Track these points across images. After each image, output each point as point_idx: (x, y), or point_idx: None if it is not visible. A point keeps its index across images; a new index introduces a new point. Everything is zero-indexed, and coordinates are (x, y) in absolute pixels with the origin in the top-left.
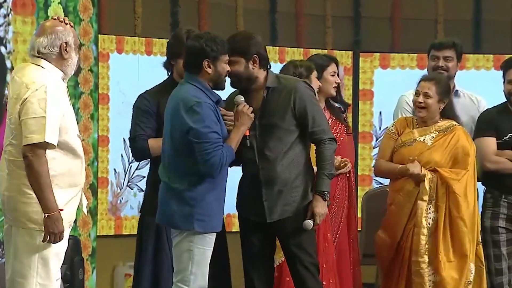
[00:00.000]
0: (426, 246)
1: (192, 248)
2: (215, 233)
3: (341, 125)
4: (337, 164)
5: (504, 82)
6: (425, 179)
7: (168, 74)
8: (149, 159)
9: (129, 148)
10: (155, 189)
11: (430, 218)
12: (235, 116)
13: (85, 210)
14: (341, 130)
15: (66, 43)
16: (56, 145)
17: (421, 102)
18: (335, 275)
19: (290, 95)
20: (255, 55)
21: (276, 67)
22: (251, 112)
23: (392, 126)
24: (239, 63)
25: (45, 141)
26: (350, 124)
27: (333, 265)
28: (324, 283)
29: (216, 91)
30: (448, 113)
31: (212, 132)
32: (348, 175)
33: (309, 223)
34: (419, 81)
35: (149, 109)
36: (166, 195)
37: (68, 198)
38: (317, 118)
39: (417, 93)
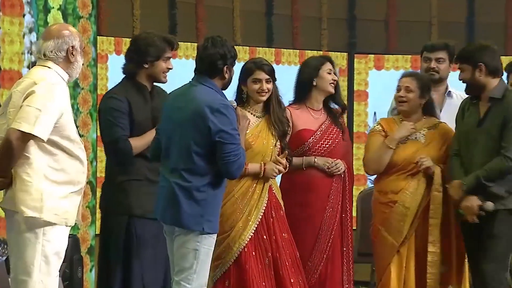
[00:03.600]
0: (439, 238)
1: (198, 248)
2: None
3: (337, 128)
4: (328, 165)
5: (508, 82)
6: (437, 172)
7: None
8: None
9: (110, 151)
10: (122, 188)
11: (442, 209)
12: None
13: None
14: (337, 132)
15: (72, 47)
16: (45, 140)
17: (402, 96)
18: (301, 272)
19: (508, 107)
20: (481, 64)
21: None
22: None
23: (378, 124)
24: (466, 70)
25: (32, 133)
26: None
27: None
28: (292, 280)
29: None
30: (430, 110)
31: (238, 135)
32: (342, 176)
33: (490, 204)
34: (400, 78)
35: (124, 110)
36: (176, 195)
37: (64, 193)
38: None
39: (398, 89)
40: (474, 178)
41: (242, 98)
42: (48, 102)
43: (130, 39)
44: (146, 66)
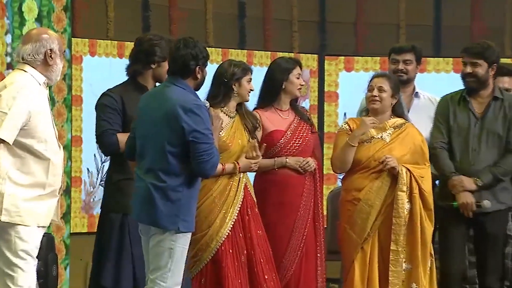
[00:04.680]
0: (402, 236)
1: (173, 247)
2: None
3: (306, 124)
4: (300, 164)
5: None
6: (402, 171)
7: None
8: (111, 158)
9: (98, 144)
10: (118, 187)
11: (406, 209)
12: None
13: (57, 218)
14: (306, 129)
15: (50, 50)
16: (11, 143)
17: (375, 96)
18: (274, 268)
19: (511, 107)
20: (495, 64)
21: None
22: None
23: (345, 124)
24: (482, 66)
25: None
26: (316, 124)
27: (270, 258)
28: (266, 277)
29: None
30: (399, 110)
31: (211, 134)
32: (313, 173)
33: (488, 203)
34: (371, 79)
35: (116, 106)
36: (152, 195)
37: (31, 196)
38: None
39: (370, 89)
40: (490, 175)
41: (233, 97)
42: (14, 105)
43: (104, 40)
44: (153, 66)
